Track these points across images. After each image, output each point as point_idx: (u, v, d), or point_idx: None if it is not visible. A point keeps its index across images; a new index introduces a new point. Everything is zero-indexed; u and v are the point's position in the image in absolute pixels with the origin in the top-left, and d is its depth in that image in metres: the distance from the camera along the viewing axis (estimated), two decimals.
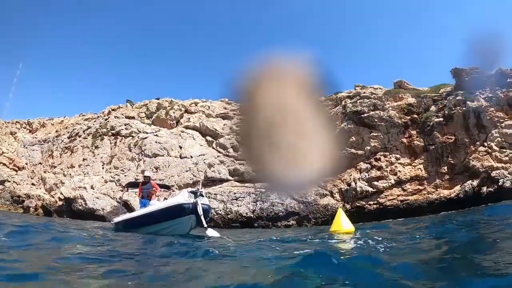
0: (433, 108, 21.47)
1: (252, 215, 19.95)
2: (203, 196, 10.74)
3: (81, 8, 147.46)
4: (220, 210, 20.25)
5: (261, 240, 9.04)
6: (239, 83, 2.98)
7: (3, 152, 32.85)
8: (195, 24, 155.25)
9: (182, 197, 10.47)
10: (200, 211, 10.12)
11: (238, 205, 20.43)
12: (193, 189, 10.72)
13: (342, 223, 10.51)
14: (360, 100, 21.85)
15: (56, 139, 32.77)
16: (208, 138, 25.73)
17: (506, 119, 19.06)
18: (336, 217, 10.85)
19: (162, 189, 15.97)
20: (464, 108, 19.74)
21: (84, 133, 30.62)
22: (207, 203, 11.15)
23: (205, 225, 10.14)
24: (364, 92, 22.59)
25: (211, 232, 9.78)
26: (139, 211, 12.49)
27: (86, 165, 28.09)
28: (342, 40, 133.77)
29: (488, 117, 19.03)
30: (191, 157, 23.73)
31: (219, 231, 10.89)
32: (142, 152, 25.37)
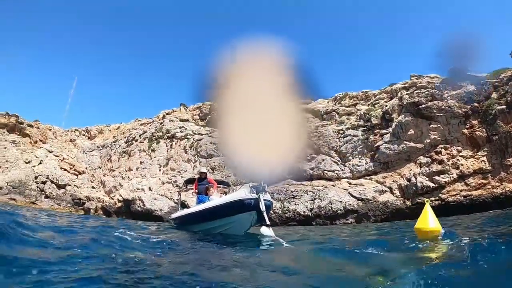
0: (494, 95, 20.39)
1: (310, 214, 19.77)
2: (265, 191, 10.00)
3: (131, 14, 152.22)
4: (278, 209, 20.22)
5: (336, 247, 6.80)
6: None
7: (64, 158, 34.43)
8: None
9: (244, 192, 9.76)
10: (263, 207, 9.43)
11: (295, 204, 20.32)
12: (256, 184, 9.91)
13: (429, 221, 9.76)
14: (417, 91, 21.11)
15: (114, 144, 34.04)
16: None
17: None
18: (423, 214, 9.20)
19: (221, 185, 16.03)
20: None
21: (140, 138, 31.63)
22: (269, 199, 10.49)
23: (267, 222, 9.42)
24: (421, 82, 21.82)
25: (266, 231, 9.11)
26: (196, 207, 12.11)
27: (144, 168, 29.01)
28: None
29: None
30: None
31: (276, 229, 10.58)
32: (198, 153, 25.90)
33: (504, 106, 18.82)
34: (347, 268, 4.21)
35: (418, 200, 18.52)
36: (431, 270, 3.53)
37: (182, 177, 24.88)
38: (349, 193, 19.87)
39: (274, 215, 19.85)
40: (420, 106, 20.19)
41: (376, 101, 24.01)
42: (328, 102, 26.74)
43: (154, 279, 3.19)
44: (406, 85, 22.67)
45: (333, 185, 20.84)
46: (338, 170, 21.69)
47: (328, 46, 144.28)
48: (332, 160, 22.18)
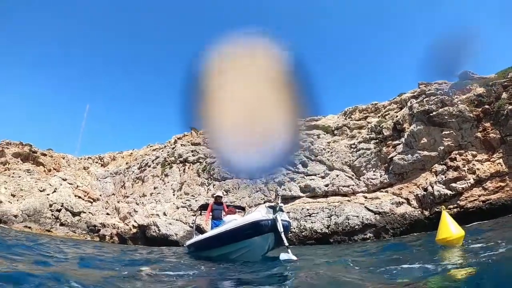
0: (504, 95, 20.17)
1: (327, 231, 19.52)
2: (282, 211, 9.42)
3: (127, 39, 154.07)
4: (294, 228, 20.00)
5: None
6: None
7: (78, 186, 34.76)
8: None
9: (260, 213, 9.16)
10: (281, 228, 8.85)
11: (312, 222, 20.10)
12: (272, 204, 9.38)
13: (450, 228, 8.76)
14: (426, 99, 20.91)
15: (127, 171, 34.24)
16: None
17: None
18: (442, 222, 9.10)
19: (237, 210, 15.48)
20: None
21: (153, 163, 31.78)
22: (287, 219, 9.83)
23: (286, 244, 8.81)
24: (429, 89, 21.61)
25: (286, 256, 8.49)
26: (211, 232, 11.53)
27: (158, 193, 29.08)
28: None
29: None
30: (261, 177, 23.72)
31: (294, 248, 10.02)
32: (211, 177, 25.89)
33: None
34: None
35: (436, 209, 18.17)
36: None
37: (196, 200, 24.89)
38: (365, 207, 19.62)
39: (291, 234, 19.58)
40: (431, 114, 20.00)
41: (386, 112, 23.86)
42: (338, 117, 26.69)
43: None
44: (415, 94, 22.48)
45: (348, 201, 20.65)
46: (353, 185, 21.51)
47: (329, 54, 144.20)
48: (346, 175, 22.01)
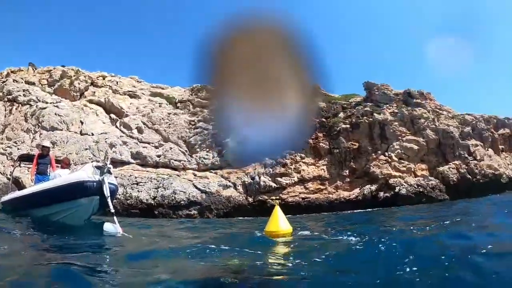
0: (341, 114, 22.52)
1: (152, 202, 18.89)
2: (111, 173, 8.57)
3: None
4: (120, 195, 18.66)
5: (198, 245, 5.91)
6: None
7: None
8: None
9: (85, 173, 8.12)
10: (107, 192, 8.00)
11: (138, 191, 19.20)
12: (100, 164, 8.46)
13: (280, 224, 8.72)
14: None
15: None
16: (113, 116, 23.59)
17: (407, 134, 21.10)
18: (273, 216, 8.97)
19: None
20: (370, 119, 21.28)
21: None
22: (115, 182, 9.03)
23: (112, 210, 8.06)
24: None
25: (110, 228, 7.57)
26: (30, 188, 10.11)
27: None
28: None
29: (391, 130, 20.81)
30: (92, 134, 21.60)
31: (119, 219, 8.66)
32: (39, 124, 22.96)
33: (348, 126, 21.29)
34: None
35: (260, 198, 19.13)
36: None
37: (18, 149, 21.96)
38: (193, 184, 19.53)
39: (115, 201, 18.53)
40: None
41: None
42: (185, 91, 26.17)
43: None
44: None
45: (178, 175, 20.27)
46: (185, 161, 21.17)
47: None
48: (180, 150, 21.58)
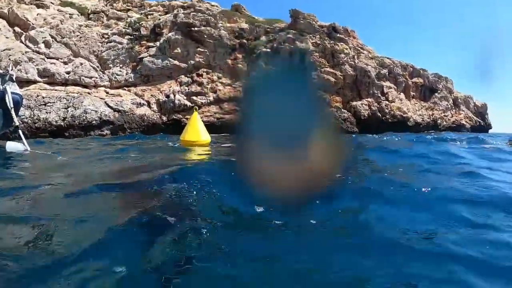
0: (263, 38, 22.34)
1: (62, 124, 17.91)
2: (13, 81, 7.59)
3: None
4: (27, 118, 17.45)
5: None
6: None
7: None
8: None
9: None
10: (10, 103, 7.10)
11: (47, 112, 18.01)
12: (0, 71, 7.40)
13: (201, 133, 8.23)
14: (194, 13, 21.17)
15: None
16: (17, 29, 20.67)
17: (326, 66, 21.94)
18: (192, 124, 8.36)
19: None
20: (292, 47, 21.27)
21: None
22: (19, 91, 8.05)
23: (17, 124, 7.33)
24: (200, 6, 21.93)
25: (14, 147, 6.62)
26: None
27: None
28: None
29: (311, 60, 20.91)
30: None
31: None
32: None
33: (269, 50, 21.16)
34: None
35: (174, 117, 18.95)
36: None
37: None
38: (105, 103, 18.74)
39: (22, 125, 17.32)
40: (193, 28, 20.37)
41: (150, 12, 23.17)
42: (99, 0, 24.47)
43: None
44: (185, 5, 22.54)
45: (89, 93, 19.23)
46: (96, 77, 20.01)
47: None
48: (91, 66, 20.27)
